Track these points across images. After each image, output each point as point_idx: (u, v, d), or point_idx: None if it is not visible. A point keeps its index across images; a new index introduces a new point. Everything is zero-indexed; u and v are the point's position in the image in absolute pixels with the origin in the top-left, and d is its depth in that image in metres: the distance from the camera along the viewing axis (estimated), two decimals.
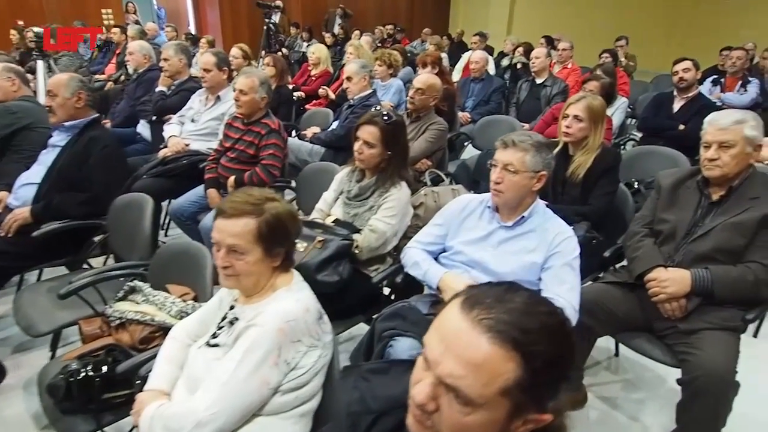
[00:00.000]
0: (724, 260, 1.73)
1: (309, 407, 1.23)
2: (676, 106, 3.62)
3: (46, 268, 2.53)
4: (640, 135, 3.85)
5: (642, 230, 1.96)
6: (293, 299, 1.22)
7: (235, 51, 4.37)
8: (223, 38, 9.74)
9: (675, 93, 3.66)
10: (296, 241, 1.31)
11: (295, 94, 4.75)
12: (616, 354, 2.45)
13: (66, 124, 2.40)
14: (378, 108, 2.05)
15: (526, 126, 3.82)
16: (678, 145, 3.07)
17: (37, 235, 2.18)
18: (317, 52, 4.86)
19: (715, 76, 4.71)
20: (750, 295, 1.69)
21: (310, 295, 1.29)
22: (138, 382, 1.41)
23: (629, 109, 4.88)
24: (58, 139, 2.44)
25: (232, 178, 2.72)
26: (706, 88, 4.58)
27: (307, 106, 4.53)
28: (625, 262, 2.02)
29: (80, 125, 2.40)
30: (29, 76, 3.92)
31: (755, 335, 2.59)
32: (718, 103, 4.30)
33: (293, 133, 4.03)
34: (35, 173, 2.41)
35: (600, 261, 2.16)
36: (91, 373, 1.46)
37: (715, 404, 1.58)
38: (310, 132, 3.52)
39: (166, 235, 3.55)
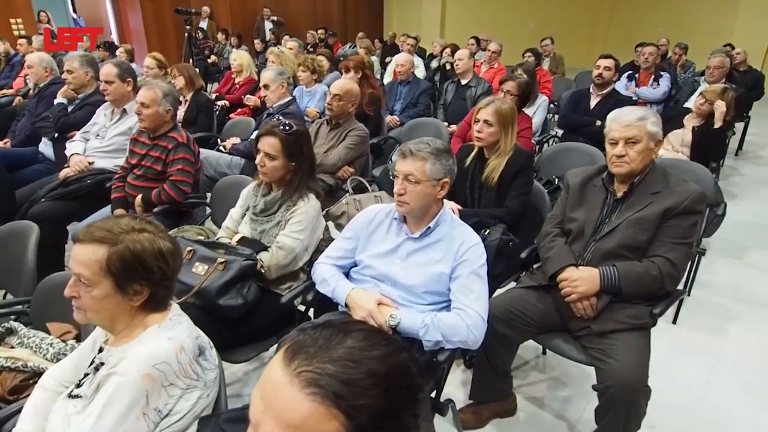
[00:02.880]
0: (629, 256, 1.75)
1: None
2: (593, 102, 3.73)
3: None
4: (561, 132, 3.94)
5: (553, 230, 1.96)
6: (164, 338, 1.09)
7: (149, 61, 4.13)
8: (148, 46, 9.29)
9: (591, 90, 3.78)
10: (168, 281, 1.14)
11: (219, 102, 4.56)
12: (544, 352, 2.46)
13: None
14: (279, 118, 1.95)
15: (453, 127, 3.83)
16: (596, 141, 3.15)
17: None
18: (239, 59, 4.68)
19: (630, 72, 4.91)
20: (655, 290, 1.71)
21: (188, 330, 1.16)
22: None
23: (553, 106, 5.02)
24: None
25: (139, 197, 2.55)
26: (622, 83, 4.76)
27: (232, 116, 4.34)
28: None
29: None
30: None
31: (674, 321, 2.68)
32: (634, 98, 4.49)
33: (219, 142, 3.85)
34: None
35: (520, 262, 2.16)
36: None
37: (628, 412, 1.60)
38: (229, 143, 3.37)
39: None
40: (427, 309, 1.57)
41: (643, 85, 4.73)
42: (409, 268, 1.60)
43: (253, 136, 3.32)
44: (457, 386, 2.23)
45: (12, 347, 1.53)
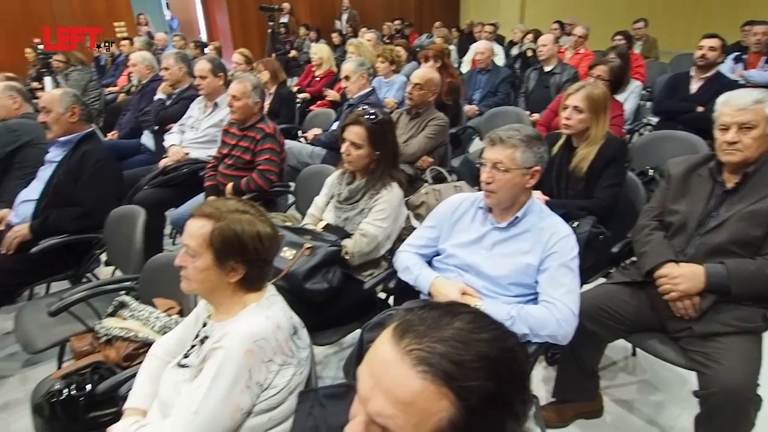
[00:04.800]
0: (740, 253, 1.60)
1: (283, 429, 1.17)
2: (694, 86, 3.43)
3: (54, 282, 2.55)
4: (656, 120, 3.67)
5: (651, 223, 1.83)
6: (263, 316, 1.15)
7: (237, 57, 4.35)
8: (233, 43, 9.77)
9: (692, 73, 3.47)
10: (262, 263, 1.21)
11: (300, 95, 4.71)
12: (633, 354, 2.32)
13: (61, 139, 2.40)
14: (365, 107, 1.97)
15: (536, 116, 3.69)
16: (696, 129, 2.90)
17: (35, 252, 2.19)
18: (319, 52, 4.80)
19: (737, 53, 4.45)
20: None
21: (283, 309, 1.22)
22: (122, 401, 1.39)
23: (646, 92, 4.68)
24: (54, 154, 2.44)
25: (230, 185, 2.70)
26: (728, 65, 4.33)
27: (312, 108, 4.48)
28: (635, 258, 1.90)
29: (75, 140, 2.40)
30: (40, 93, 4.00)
31: None
32: (741, 81, 4.07)
33: (299, 134, 3.99)
34: (34, 189, 2.42)
35: (609, 257, 2.04)
36: (74, 393, 1.44)
37: (734, 423, 1.47)
38: (310, 134, 3.47)
39: (174, 244, 3.55)
40: (512, 301, 1.53)
41: (752, 67, 4.28)
42: (495, 258, 1.57)
43: (333, 127, 3.41)
44: (537, 383, 2.16)
45: (124, 319, 1.69)
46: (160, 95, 3.63)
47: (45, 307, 2.08)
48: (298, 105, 4.51)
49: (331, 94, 4.26)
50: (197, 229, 1.16)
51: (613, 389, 2.14)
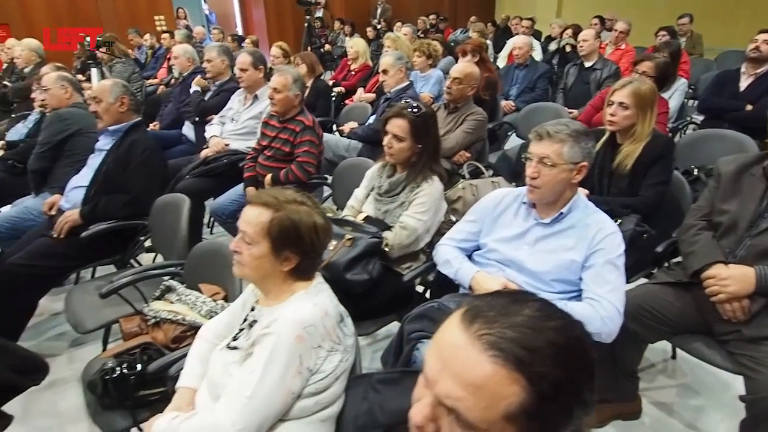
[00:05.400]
0: None
1: (329, 413, 1.19)
2: (744, 84, 3.31)
3: (99, 266, 2.65)
4: (701, 118, 3.55)
5: (698, 222, 1.78)
6: (311, 303, 1.18)
7: (275, 50, 4.41)
8: (269, 37, 9.91)
9: (743, 69, 3.35)
10: (315, 254, 1.24)
11: (336, 89, 4.74)
12: (674, 356, 2.27)
13: (110, 128, 2.49)
14: (407, 100, 1.98)
15: (574, 112, 3.62)
16: (744, 128, 2.80)
17: (85, 236, 2.28)
18: (355, 45, 4.82)
19: None
20: None
21: (330, 297, 1.25)
22: (170, 381, 1.44)
23: (690, 90, 4.53)
24: (104, 143, 2.53)
25: (268, 177, 2.74)
26: None
27: (347, 102, 4.51)
28: (680, 258, 1.85)
29: (123, 129, 2.48)
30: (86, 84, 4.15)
31: None
32: None
33: (334, 128, 4.03)
34: (84, 176, 2.52)
35: (652, 257, 2.00)
36: (125, 371, 1.50)
37: None
38: (347, 127, 3.49)
39: (211, 233, 3.64)
40: (555, 297, 1.52)
41: None
42: (538, 254, 1.56)
43: (370, 121, 3.43)
44: None
45: (172, 303, 1.75)
46: (195, 87, 3.71)
47: (93, 290, 2.18)
48: (334, 98, 4.55)
49: (365, 97, 4.27)
50: (255, 216, 1.19)
51: (652, 391, 2.10)
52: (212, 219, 3.58)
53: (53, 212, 2.53)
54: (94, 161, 2.53)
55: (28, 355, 1.59)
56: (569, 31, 5.72)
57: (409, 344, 1.48)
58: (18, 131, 3.54)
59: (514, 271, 1.58)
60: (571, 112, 3.66)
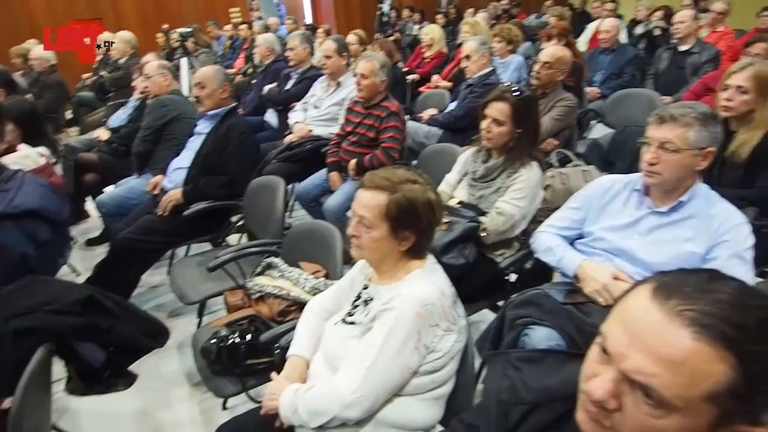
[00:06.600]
0: None
1: (443, 391, 1.21)
2: None
3: (192, 244, 2.82)
4: None
5: None
6: (429, 282, 1.19)
7: (351, 37, 4.44)
8: (337, 27, 10.03)
9: None
10: (431, 231, 1.24)
11: (410, 77, 4.73)
12: None
13: (210, 113, 2.62)
14: (505, 83, 1.94)
15: (668, 99, 3.41)
16: None
17: (187, 215, 2.43)
18: (430, 33, 4.78)
19: None
20: None
21: (445, 278, 1.25)
22: (277, 351, 1.50)
23: None
24: (203, 127, 2.67)
25: (353, 162, 2.79)
26: None
27: (421, 89, 4.49)
28: None
29: (221, 114, 2.61)
30: None
31: None
32: None
33: (408, 115, 4.02)
34: (185, 158, 2.68)
35: None
36: (237, 340, 1.59)
37: None
38: (426, 114, 3.48)
39: (290, 217, 3.76)
40: None
41: None
42: (652, 244, 1.48)
43: (451, 106, 3.40)
44: None
45: (274, 278, 1.83)
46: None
47: (195, 265, 2.33)
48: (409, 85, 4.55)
49: (443, 84, 4.22)
50: (370, 200, 1.19)
51: None
52: (292, 203, 3.69)
53: (157, 191, 2.70)
54: (194, 144, 2.68)
55: (154, 320, 1.71)
56: (659, 13, 5.36)
57: (515, 329, 1.46)
58: (118, 117, 3.81)
59: (624, 261, 1.52)
60: (664, 99, 3.44)
